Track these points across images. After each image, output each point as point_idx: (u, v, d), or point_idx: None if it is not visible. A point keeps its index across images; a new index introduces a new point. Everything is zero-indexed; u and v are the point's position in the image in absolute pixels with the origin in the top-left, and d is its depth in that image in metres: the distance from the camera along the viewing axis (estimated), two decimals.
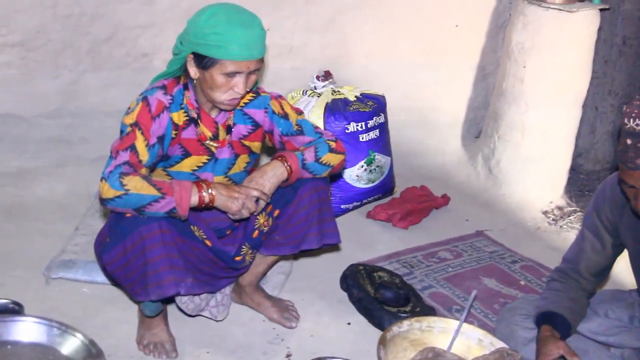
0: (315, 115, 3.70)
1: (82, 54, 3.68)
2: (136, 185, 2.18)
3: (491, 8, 4.48)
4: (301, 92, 3.91)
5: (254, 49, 2.28)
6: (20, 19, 3.47)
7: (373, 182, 3.83)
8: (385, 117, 3.93)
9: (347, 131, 3.72)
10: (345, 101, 3.80)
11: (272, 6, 3.97)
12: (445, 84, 4.56)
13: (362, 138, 3.77)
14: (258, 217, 2.54)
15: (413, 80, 4.47)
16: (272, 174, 2.43)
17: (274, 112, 2.54)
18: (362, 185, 3.78)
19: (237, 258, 2.56)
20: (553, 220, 3.98)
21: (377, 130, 3.83)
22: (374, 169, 3.81)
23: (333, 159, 2.54)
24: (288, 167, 2.44)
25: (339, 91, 3.87)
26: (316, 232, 2.57)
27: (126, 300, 2.80)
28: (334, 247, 3.23)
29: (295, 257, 3.18)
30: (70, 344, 1.61)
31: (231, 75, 2.29)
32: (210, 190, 2.29)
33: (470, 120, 4.71)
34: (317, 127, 2.62)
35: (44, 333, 1.63)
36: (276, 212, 2.56)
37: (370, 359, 2.61)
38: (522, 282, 3.28)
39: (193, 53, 2.31)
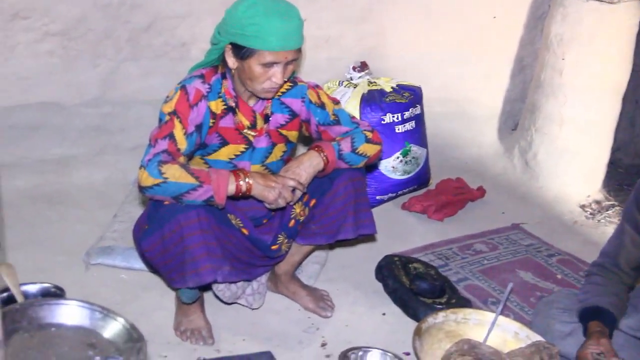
0: (351, 106, 3.70)
1: (121, 43, 3.71)
2: (174, 173, 2.20)
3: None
4: (337, 83, 3.91)
5: (292, 40, 2.28)
6: (62, 8, 3.51)
7: (408, 173, 3.82)
8: (422, 109, 3.92)
9: (383, 122, 3.71)
10: (382, 92, 3.79)
11: None
12: (483, 76, 4.53)
13: (398, 129, 3.76)
14: (294, 206, 2.55)
15: (450, 72, 4.45)
16: (308, 164, 2.44)
17: (310, 102, 2.55)
18: (397, 176, 3.77)
19: (274, 247, 2.57)
20: (591, 214, 3.94)
21: (413, 122, 3.82)
22: (410, 160, 3.80)
23: (369, 150, 2.54)
24: (324, 158, 2.45)
25: (375, 82, 3.87)
26: (352, 222, 2.57)
27: (163, 286, 2.83)
28: (370, 237, 3.23)
29: (331, 247, 3.19)
30: (112, 328, 1.62)
31: (269, 65, 2.29)
32: (247, 179, 2.30)
33: (507, 113, 4.68)
34: (353, 117, 2.62)
35: (87, 316, 1.64)
36: (312, 202, 2.57)
37: (405, 349, 2.61)
38: (559, 276, 3.26)
39: (231, 43, 2.32)
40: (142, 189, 2.24)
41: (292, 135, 2.60)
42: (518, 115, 4.64)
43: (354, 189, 2.55)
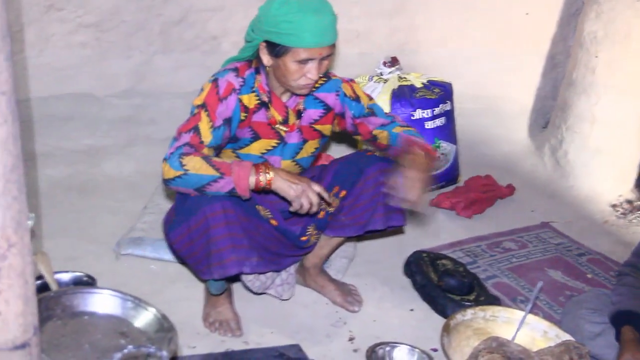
0: (381, 101, 3.70)
1: (153, 36, 3.74)
2: (195, 165, 2.20)
3: None
4: (367, 78, 3.90)
5: (326, 36, 2.27)
6: (96, 0, 3.54)
7: (437, 170, 3.80)
8: (452, 105, 3.90)
9: (412, 118, 3.70)
10: (412, 88, 3.78)
11: None
12: (514, 72, 4.49)
13: (428, 125, 3.75)
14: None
15: (481, 68, 4.42)
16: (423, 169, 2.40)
17: (345, 95, 2.55)
18: None
19: (303, 238, 2.58)
20: (622, 214, 3.90)
21: (443, 118, 3.81)
22: (439, 157, 3.78)
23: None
24: (428, 156, 2.45)
25: (405, 78, 3.86)
26: (382, 213, 2.56)
27: (192, 278, 2.85)
28: (398, 230, 3.21)
29: (359, 239, 3.17)
30: (144, 318, 1.65)
31: (304, 62, 2.28)
32: (268, 173, 2.26)
33: (538, 110, 4.64)
34: (386, 112, 2.62)
35: (119, 306, 1.66)
36: (342, 193, 2.57)
37: (432, 345, 2.61)
38: (589, 275, 3.23)
39: (265, 41, 2.31)
40: (165, 181, 2.25)
41: (327, 129, 2.60)
42: (549, 113, 4.60)
43: (385, 180, 2.55)
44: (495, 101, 4.52)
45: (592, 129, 4.03)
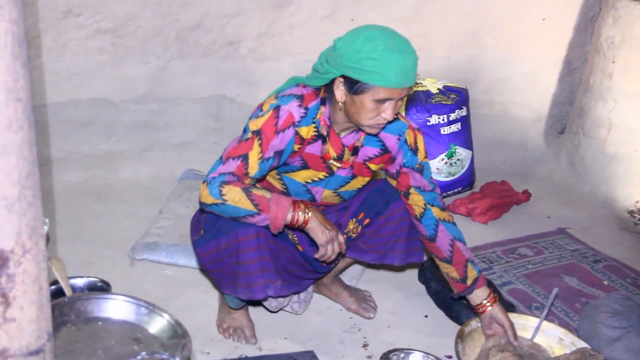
0: None
1: (170, 41, 3.75)
2: (234, 197, 2.16)
3: (580, 1, 4.37)
4: None
5: (409, 76, 2.17)
6: (113, 5, 3.56)
7: (453, 175, 3.79)
8: (468, 111, 3.88)
9: (428, 124, 3.69)
10: (428, 93, 3.77)
11: None
12: (530, 78, 4.47)
13: (444, 131, 3.73)
14: (349, 223, 2.55)
15: (497, 74, 4.40)
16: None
17: (406, 142, 2.44)
18: (442, 178, 3.75)
19: (324, 263, 2.56)
20: (639, 220, 3.87)
21: (459, 124, 3.80)
22: (455, 163, 3.77)
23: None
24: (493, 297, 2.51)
25: (421, 83, 3.85)
26: (402, 249, 2.55)
27: (207, 283, 2.86)
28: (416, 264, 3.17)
29: (370, 266, 3.14)
30: (157, 324, 1.64)
31: (382, 101, 2.17)
32: (307, 213, 2.23)
33: (555, 116, 4.62)
34: (431, 178, 2.55)
35: (133, 311, 1.66)
36: (366, 221, 2.54)
37: (447, 352, 2.60)
38: (605, 282, 3.21)
39: (343, 76, 2.20)
40: (201, 204, 2.23)
41: (379, 167, 2.52)
42: (565, 118, 4.58)
43: (409, 216, 2.53)
44: (511, 107, 4.50)
45: (609, 134, 4.01)
